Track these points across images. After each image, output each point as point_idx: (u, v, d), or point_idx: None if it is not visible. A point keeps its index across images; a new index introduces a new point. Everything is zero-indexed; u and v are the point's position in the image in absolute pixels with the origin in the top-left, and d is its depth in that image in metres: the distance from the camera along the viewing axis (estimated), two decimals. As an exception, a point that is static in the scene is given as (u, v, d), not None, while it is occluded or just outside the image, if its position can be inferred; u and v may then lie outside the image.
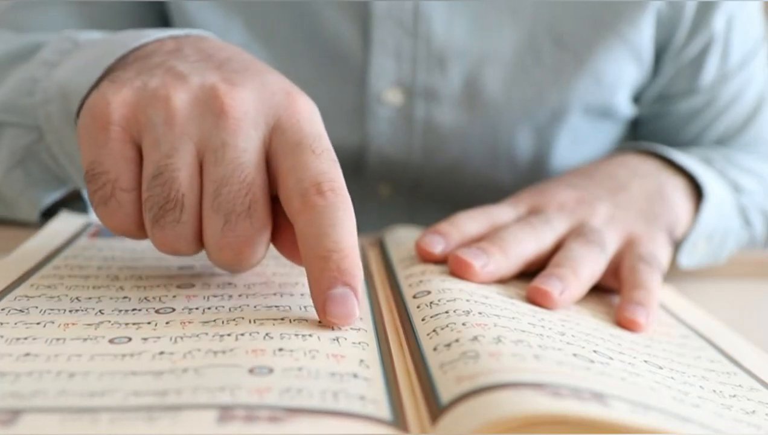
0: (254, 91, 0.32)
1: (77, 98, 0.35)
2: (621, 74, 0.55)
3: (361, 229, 0.59)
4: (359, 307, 0.29)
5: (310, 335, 0.29)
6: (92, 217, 0.33)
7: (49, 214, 0.46)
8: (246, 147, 0.31)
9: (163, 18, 0.57)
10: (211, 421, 0.22)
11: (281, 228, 0.32)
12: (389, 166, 0.58)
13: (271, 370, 0.25)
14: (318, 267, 0.29)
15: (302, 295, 0.33)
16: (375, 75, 0.54)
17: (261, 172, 0.31)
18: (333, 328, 0.30)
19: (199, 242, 0.32)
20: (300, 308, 0.31)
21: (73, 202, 0.47)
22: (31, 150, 0.41)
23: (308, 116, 0.32)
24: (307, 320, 0.30)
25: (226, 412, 0.22)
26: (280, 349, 0.27)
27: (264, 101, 0.32)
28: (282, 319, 0.30)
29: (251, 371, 0.25)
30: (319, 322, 0.30)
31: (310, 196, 0.30)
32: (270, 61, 0.55)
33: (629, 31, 0.54)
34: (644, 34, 0.54)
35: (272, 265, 0.37)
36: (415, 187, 0.59)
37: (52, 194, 0.45)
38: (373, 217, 0.61)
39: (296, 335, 0.28)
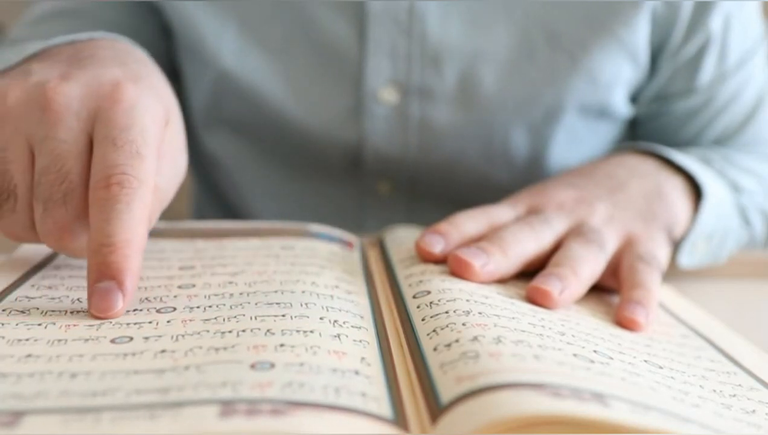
0: (82, 85, 0.33)
1: None
2: (616, 74, 0.55)
3: (360, 226, 0.60)
4: (124, 303, 0.30)
5: (311, 332, 0.29)
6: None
7: None
8: (65, 138, 0.32)
9: (161, 24, 0.58)
10: (213, 416, 0.22)
11: None
12: (386, 163, 0.58)
13: (272, 365, 0.25)
14: (90, 260, 0.30)
15: (303, 292, 0.33)
16: (370, 74, 0.55)
17: (79, 162, 0.32)
18: (334, 324, 0.30)
19: (35, 230, 0.33)
20: (301, 305, 0.31)
21: None
22: None
23: (126, 106, 0.33)
24: (308, 317, 0.30)
25: (227, 407, 0.22)
26: (282, 345, 0.27)
27: (90, 93, 0.33)
28: (283, 315, 0.30)
29: (253, 366, 0.25)
30: (321, 318, 0.30)
31: (97, 190, 0.31)
32: (265, 60, 0.55)
33: (624, 31, 0.54)
34: (639, 34, 0.54)
35: (273, 264, 0.37)
36: (414, 184, 0.60)
37: None
38: (372, 215, 0.61)
39: (297, 331, 0.28)
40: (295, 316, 0.30)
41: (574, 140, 0.58)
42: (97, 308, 0.30)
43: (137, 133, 0.32)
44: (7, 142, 0.32)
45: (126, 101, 0.33)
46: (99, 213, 0.30)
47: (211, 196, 0.68)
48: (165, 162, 0.35)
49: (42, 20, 0.55)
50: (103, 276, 0.30)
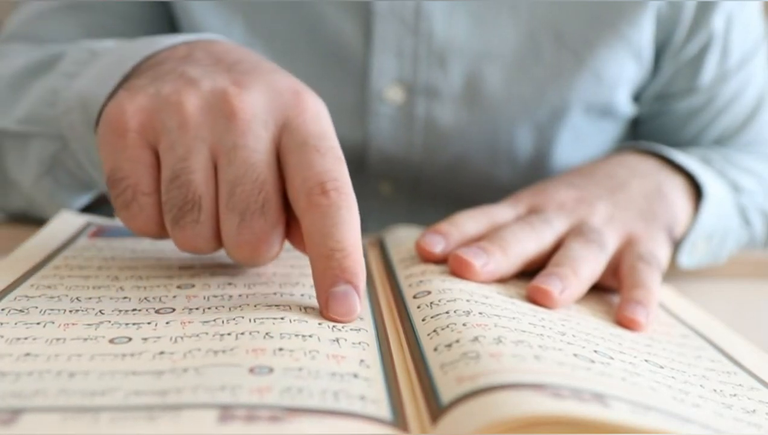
0: (262, 93, 0.33)
1: (96, 108, 0.36)
2: (621, 73, 0.56)
3: (362, 227, 0.60)
4: (360, 305, 0.30)
5: (310, 336, 0.29)
6: (119, 220, 0.35)
7: None
8: (256, 147, 0.32)
9: (169, 18, 0.58)
10: (212, 420, 0.22)
11: (294, 223, 0.33)
12: (390, 163, 0.58)
13: (271, 370, 0.25)
14: (321, 265, 0.30)
15: (302, 295, 0.33)
16: (376, 73, 0.55)
17: (272, 171, 0.32)
18: (333, 328, 0.30)
19: (218, 240, 0.33)
20: (300, 308, 0.31)
21: (102, 205, 0.49)
22: (57, 158, 0.43)
23: (314, 115, 0.33)
24: (307, 321, 0.30)
25: (226, 412, 0.22)
26: (281, 349, 0.27)
27: (272, 102, 0.33)
28: (282, 318, 0.30)
29: (251, 371, 0.25)
30: (320, 323, 0.30)
31: (314, 196, 0.31)
32: (271, 59, 0.55)
33: (629, 30, 0.54)
34: (644, 33, 0.54)
35: (272, 265, 0.37)
36: (416, 185, 0.60)
37: (81, 199, 0.47)
38: (374, 216, 0.61)
39: (296, 335, 0.28)
40: (294, 320, 0.30)
41: (579, 139, 0.58)
42: (338, 312, 0.30)
43: (334, 140, 0.33)
44: (189, 151, 0.32)
45: (312, 109, 0.33)
46: (323, 219, 0.30)
47: None
48: None
49: (50, 15, 0.54)
50: (340, 280, 0.30)
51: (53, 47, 0.47)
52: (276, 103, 0.33)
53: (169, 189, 0.32)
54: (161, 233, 0.34)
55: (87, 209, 0.48)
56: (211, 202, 0.32)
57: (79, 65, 0.41)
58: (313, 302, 0.32)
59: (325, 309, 0.30)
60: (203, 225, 0.32)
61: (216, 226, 0.32)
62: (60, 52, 0.45)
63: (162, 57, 0.36)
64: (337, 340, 0.29)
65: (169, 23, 0.57)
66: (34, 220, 0.48)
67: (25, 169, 0.45)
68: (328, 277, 0.30)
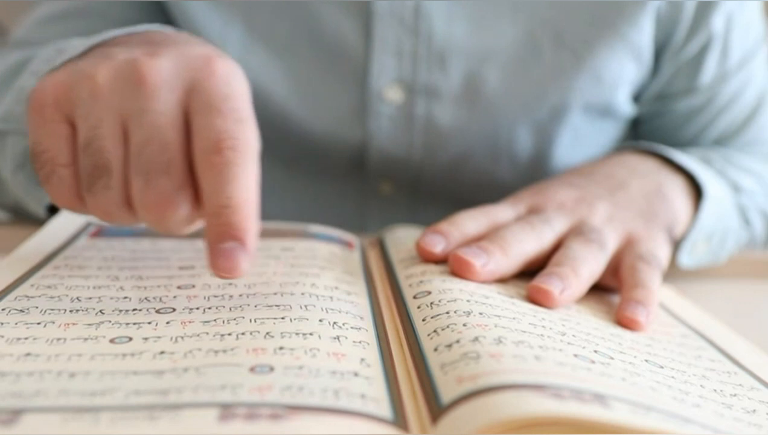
0: (172, 59, 0.33)
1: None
2: (621, 73, 0.56)
3: (362, 226, 0.60)
4: (248, 262, 0.30)
5: (310, 334, 0.29)
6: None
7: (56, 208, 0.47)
8: (163, 110, 0.32)
9: (168, 22, 0.58)
10: (212, 419, 0.22)
11: None
12: (390, 163, 0.58)
13: (271, 369, 0.25)
14: (211, 222, 0.30)
15: (303, 294, 0.33)
16: (376, 73, 0.55)
17: (178, 133, 0.32)
18: (333, 325, 0.30)
19: (130, 207, 0.33)
20: (300, 307, 0.31)
21: None
22: (28, 153, 0.44)
23: (222, 77, 0.33)
24: (308, 319, 0.30)
25: (227, 411, 0.22)
26: (281, 348, 0.27)
27: (181, 67, 0.33)
28: (282, 318, 0.30)
29: (252, 370, 0.25)
30: (320, 320, 0.30)
31: (209, 154, 0.31)
32: (270, 59, 0.55)
33: (629, 30, 0.54)
34: (644, 33, 0.54)
35: (273, 265, 0.37)
36: (416, 184, 0.60)
37: None
38: (374, 216, 0.61)
39: (297, 334, 0.28)
40: (295, 319, 0.30)
41: (578, 139, 0.58)
42: (222, 268, 0.30)
43: (238, 102, 0.33)
44: (100, 119, 0.32)
45: (221, 72, 0.33)
46: (215, 176, 0.30)
47: None
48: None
49: (52, 21, 0.55)
50: (227, 236, 0.30)
51: (33, 50, 0.49)
52: (185, 67, 0.33)
53: (83, 157, 0.32)
54: (82, 204, 0.34)
55: None
56: (120, 167, 0.32)
57: (45, 63, 0.41)
58: (314, 301, 0.32)
59: (212, 265, 0.30)
60: (114, 190, 0.32)
61: (127, 192, 0.33)
62: (34, 53, 0.46)
63: (107, 44, 0.37)
64: (338, 337, 0.29)
65: (167, 22, 0.58)
66: (34, 220, 0.48)
67: (5, 165, 0.46)
68: (216, 234, 0.30)
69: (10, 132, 0.45)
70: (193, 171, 0.32)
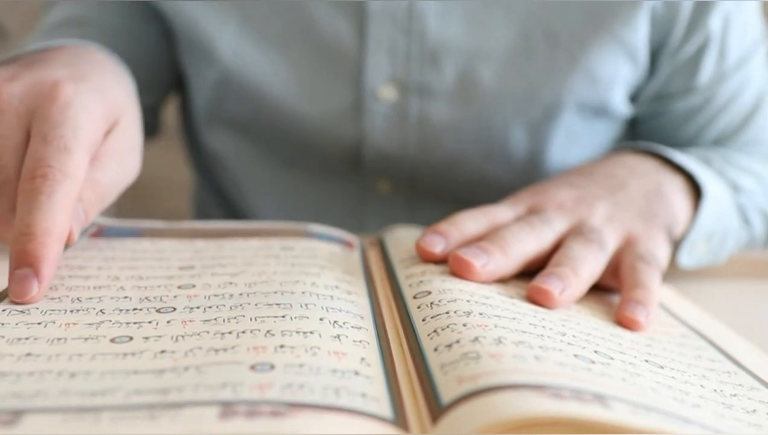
0: (24, 84, 0.35)
1: None
2: (615, 73, 0.56)
3: (361, 225, 0.60)
4: (39, 290, 0.31)
5: (311, 333, 0.29)
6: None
7: None
8: (4, 133, 0.34)
9: (164, 29, 0.58)
10: (213, 417, 0.22)
11: None
12: (386, 161, 0.58)
13: (272, 367, 0.25)
14: (11, 248, 0.31)
15: (303, 293, 0.33)
16: (370, 71, 0.55)
17: (15, 156, 0.34)
18: (334, 325, 0.30)
19: None
20: (301, 306, 0.31)
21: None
22: None
23: (61, 104, 0.34)
24: (308, 318, 0.30)
25: (227, 408, 0.22)
26: (282, 346, 0.27)
27: (30, 92, 0.35)
28: (283, 316, 0.30)
29: (252, 368, 0.25)
30: (321, 319, 0.30)
31: (23, 181, 0.32)
32: (265, 58, 0.55)
33: (623, 30, 0.54)
34: (639, 33, 0.54)
35: (273, 264, 0.37)
36: (413, 183, 0.60)
37: None
38: (372, 215, 0.61)
39: (297, 332, 0.28)
40: (295, 317, 0.30)
41: (573, 139, 0.58)
42: (14, 294, 0.31)
43: (68, 130, 0.34)
44: None
45: (62, 99, 0.34)
46: (22, 203, 0.32)
47: (213, 194, 0.68)
48: (109, 160, 0.37)
49: (54, 29, 0.56)
50: (22, 263, 0.31)
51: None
52: (32, 93, 0.35)
53: None
54: None
55: None
56: None
57: None
58: (314, 300, 0.32)
59: (8, 290, 0.31)
60: None
61: None
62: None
63: (13, 59, 0.39)
64: (339, 336, 0.29)
65: (163, 36, 0.58)
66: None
67: None
68: (13, 260, 0.31)
69: None
70: None
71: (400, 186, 0.60)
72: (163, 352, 0.27)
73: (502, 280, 0.37)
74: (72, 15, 0.56)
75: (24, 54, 0.40)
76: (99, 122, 0.36)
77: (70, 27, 0.56)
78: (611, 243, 0.41)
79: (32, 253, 0.31)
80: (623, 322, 0.36)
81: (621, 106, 0.58)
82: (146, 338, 0.28)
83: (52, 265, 0.31)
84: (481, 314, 0.31)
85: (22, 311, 0.30)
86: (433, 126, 0.56)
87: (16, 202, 0.32)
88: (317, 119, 0.57)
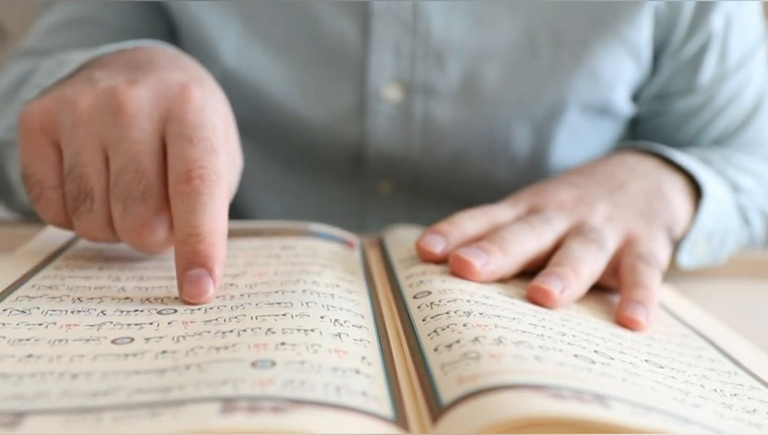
0: (150, 88, 0.35)
1: None
2: (619, 72, 0.56)
3: (362, 226, 0.60)
4: (215, 289, 0.32)
5: (312, 331, 0.29)
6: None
7: None
8: (140, 139, 0.34)
9: (168, 27, 0.58)
10: (214, 412, 0.22)
11: None
12: (388, 162, 0.58)
13: (273, 364, 0.25)
14: (178, 249, 0.32)
15: (304, 291, 0.33)
16: (374, 71, 0.55)
17: (155, 161, 0.34)
18: (335, 323, 0.30)
19: (112, 229, 0.35)
20: (302, 304, 0.31)
21: None
22: None
23: (196, 106, 0.35)
24: (309, 316, 0.30)
25: (228, 404, 0.22)
26: (282, 344, 0.27)
27: (159, 95, 0.35)
28: (284, 315, 0.30)
29: (254, 365, 0.25)
30: (321, 317, 0.30)
31: (179, 183, 0.32)
32: (268, 58, 0.55)
33: (627, 30, 0.54)
34: (642, 32, 0.54)
35: (273, 264, 0.37)
36: (415, 183, 0.60)
37: None
38: (374, 215, 0.61)
39: (298, 330, 0.28)
40: (296, 315, 0.30)
41: (576, 139, 0.58)
42: (189, 295, 0.31)
43: (209, 131, 0.34)
44: (81, 147, 0.34)
45: (195, 101, 0.35)
46: (184, 205, 0.32)
47: None
48: (231, 157, 0.37)
49: (57, 30, 0.56)
50: (193, 264, 0.31)
51: (39, 59, 0.51)
52: (162, 96, 0.35)
53: (67, 182, 0.34)
54: (69, 224, 0.36)
55: None
56: (102, 193, 0.34)
57: (47, 76, 0.43)
58: (315, 298, 0.32)
59: (180, 291, 0.31)
60: (96, 214, 0.34)
61: (109, 215, 0.34)
62: (37, 64, 0.48)
63: (94, 65, 0.39)
64: (339, 335, 0.29)
65: (169, 33, 0.58)
66: (35, 221, 0.48)
67: (14, 173, 0.48)
68: (183, 261, 0.31)
69: (14, 143, 0.46)
70: (167, 197, 0.33)
71: (401, 186, 0.60)
72: (164, 352, 0.27)
73: (503, 280, 0.38)
74: (80, 14, 0.56)
75: (104, 55, 0.40)
76: (225, 122, 0.36)
77: (79, 26, 0.56)
78: (611, 243, 0.41)
79: (204, 253, 0.31)
80: (623, 321, 0.36)
81: (624, 105, 0.58)
82: (147, 339, 0.28)
83: (222, 264, 0.32)
84: (481, 314, 0.31)
85: (22, 312, 0.30)
86: (436, 126, 0.56)
87: (172, 205, 0.32)
88: (320, 120, 0.57)
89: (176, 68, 0.37)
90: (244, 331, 0.28)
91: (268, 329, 0.28)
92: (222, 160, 0.33)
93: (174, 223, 0.32)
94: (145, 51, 0.40)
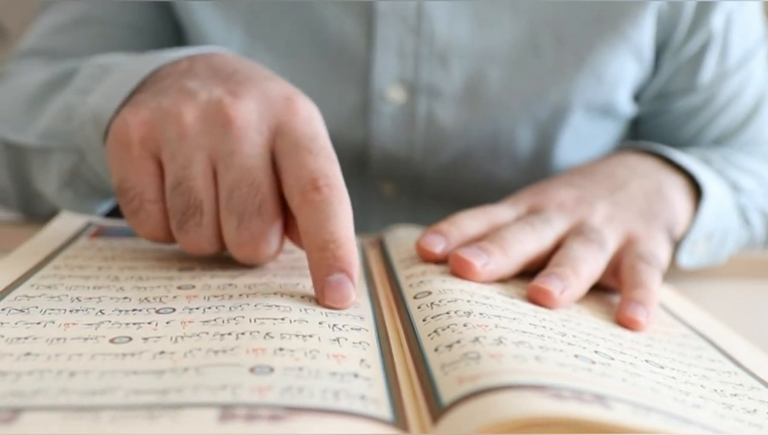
0: (256, 100, 0.35)
1: (105, 122, 0.38)
2: (622, 72, 0.56)
3: (364, 227, 0.60)
4: (355, 294, 0.32)
5: (310, 336, 0.29)
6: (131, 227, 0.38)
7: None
8: (251, 153, 0.34)
9: (174, 25, 0.58)
10: (212, 419, 0.22)
11: (291, 222, 0.35)
12: (392, 163, 0.58)
13: (271, 370, 0.25)
14: (316, 256, 0.32)
15: (302, 296, 0.33)
16: (378, 72, 0.55)
17: (267, 174, 0.34)
18: (333, 328, 0.30)
19: (221, 242, 0.35)
20: (300, 309, 0.31)
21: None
22: (76, 170, 0.45)
23: (306, 118, 0.35)
24: (307, 321, 0.30)
25: (227, 411, 0.22)
26: (281, 349, 0.27)
27: (265, 108, 0.35)
28: (282, 319, 0.30)
29: (252, 370, 0.25)
30: (320, 322, 0.30)
31: (307, 193, 0.32)
32: (272, 59, 0.55)
33: (630, 30, 0.54)
34: (645, 32, 0.54)
35: (273, 267, 0.37)
36: (418, 185, 0.60)
37: (102, 206, 0.48)
38: (376, 216, 0.61)
39: (297, 335, 0.28)
40: (295, 320, 0.30)
41: (579, 139, 0.58)
42: (334, 300, 0.32)
43: (324, 141, 0.35)
44: (189, 160, 0.34)
45: (303, 113, 0.35)
46: (316, 213, 0.32)
47: None
48: None
49: (64, 29, 0.56)
50: (334, 269, 0.32)
51: (68, 63, 0.50)
52: (269, 109, 0.35)
53: (173, 196, 0.34)
54: (169, 238, 0.36)
55: (111, 214, 0.50)
56: (212, 206, 0.34)
57: (91, 81, 0.42)
58: (314, 303, 0.32)
59: (322, 297, 0.32)
60: (206, 228, 0.34)
61: (218, 229, 0.35)
62: (74, 69, 0.47)
63: (165, 72, 0.38)
64: (338, 339, 0.29)
65: (175, 30, 0.58)
66: (35, 220, 0.48)
67: (48, 181, 0.47)
68: (323, 267, 0.32)
69: (54, 149, 0.45)
70: (279, 209, 0.34)
71: (404, 187, 0.60)
72: (162, 352, 0.27)
73: (503, 280, 0.37)
74: (87, 13, 0.56)
75: (172, 62, 0.39)
76: (327, 134, 0.36)
77: (89, 26, 0.55)
78: (611, 243, 0.41)
79: (343, 259, 0.32)
80: (623, 322, 0.36)
81: (626, 106, 0.58)
82: (145, 339, 0.28)
83: (358, 269, 0.32)
84: (481, 314, 0.31)
85: (21, 311, 0.30)
86: (440, 127, 0.56)
87: (299, 214, 0.33)
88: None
89: (267, 78, 0.37)
90: (243, 334, 0.28)
91: (267, 333, 0.28)
92: (339, 168, 0.34)
93: (305, 231, 0.32)
94: (220, 57, 0.39)
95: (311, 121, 0.35)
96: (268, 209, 0.34)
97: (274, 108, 0.35)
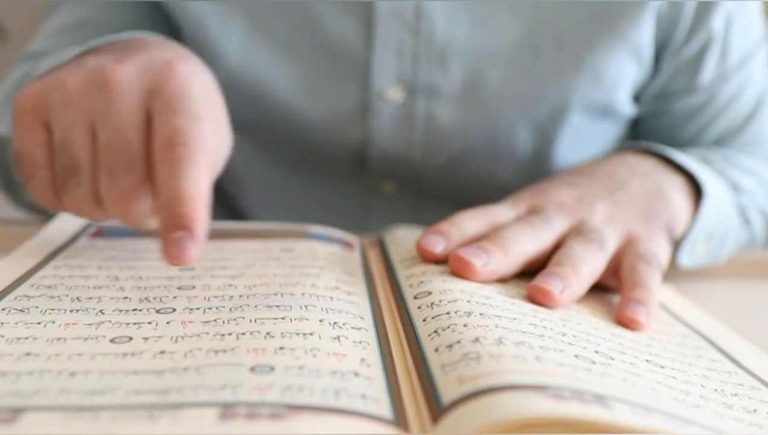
0: (136, 64, 0.36)
1: None
2: (621, 73, 0.56)
3: (364, 227, 0.60)
4: (198, 251, 0.31)
5: (311, 334, 0.29)
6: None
7: None
8: (126, 111, 0.34)
9: (171, 28, 0.58)
10: (213, 419, 0.22)
11: None
12: (391, 163, 0.58)
13: (272, 369, 0.25)
14: (162, 213, 0.32)
15: (303, 294, 0.33)
16: (377, 72, 0.55)
17: (140, 132, 0.34)
18: (334, 326, 0.30)
19: (100, 203, 0.35)
20: (301, 308, 0.31)
21: None
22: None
23: (181, 79, 0.35)
24: (308, 320, 0.30)
25: (227, 410, 0.22)
26: (281, 348, 0.27)
27: (145, 71, 0.35)
28: (283, 318, 0.30)
29: (252, 370, 0.25)
30: (320, 320, 0.30)
31: (162, 150, 0.33)
32: (271, 59, 0.55)
33: (630, 31, 0.54)
34: (645, 33, 0.54)
35: (273, 266, 0.37)
36: (418, 184, 0.60)
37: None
38: (377, 216, 0.61)
39: (297, 334, 0.28)
40: (295, 319, 0.30)
41: (579, 139, 0.58)
42: (172, 256, 0.31)
43: (194, 102, 0.34)
44: (70, 124, 0.34)
45: (180, 75, 0.35)
46: (167, 170, 0.32)
47: (216, 195, 0.68)
48: (215, 132, 0.37)
49: (61, 32, 0.56)
50: (176, 227, 0.31)
51: (40, 60, 0.51)
52: (148, 71, 0.35)
53: (57, 158, 0.35)
54: (60, 202, 0.36)
55: None
56: (90, 167, 0.35)
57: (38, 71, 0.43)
58: (314, 301, 0.32)
59: (164, 254, 0.31)
60: (84, 188, 0.35)
61: (96, 189, 0.35)
62: (39, 64, 0.48)
63: (91, 52, 0.40)
64: (338, 337, 0.29)
65: (172, 35, 0.58)
66: (35, 221, 0.48)
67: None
68: (166, 224, 0.31)
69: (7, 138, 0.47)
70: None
71: (404, 187, 0.60)
72: (162, 352, 0.27)
73: (503, 280, 0.37)
74: (85, 17, 0.56)
75: (98, 45, 0.41)
76: (211, 96, 0.37)
77: (84, 29, 0.56)
78: (611, 243, 0.41)
79: (186, 215, 0.31)
80: (624, 321, 0.36)
81: (626, 106, 0.58)
82: (146, 339, 0.28)
83: (204, 227, 0.32)
84: (481, 314, 0.31)
85: (21, 311, 0.30)
86: (439, 127, 0.56)
87: (156, 171, 0.33)
88: (323, 121, 0.57)
89: (165, 48, 0.38)
90: (243, 334, 0.28)
91: (267, 333, 0.28)
92: (205, 128, 0.34)
93: (157, 188, 0.32)
94: (137, 39, 0.41)
95: (186, 83, 0.35)
96: (137, 167, 0.34)
97: (153, 70, 0.35)
